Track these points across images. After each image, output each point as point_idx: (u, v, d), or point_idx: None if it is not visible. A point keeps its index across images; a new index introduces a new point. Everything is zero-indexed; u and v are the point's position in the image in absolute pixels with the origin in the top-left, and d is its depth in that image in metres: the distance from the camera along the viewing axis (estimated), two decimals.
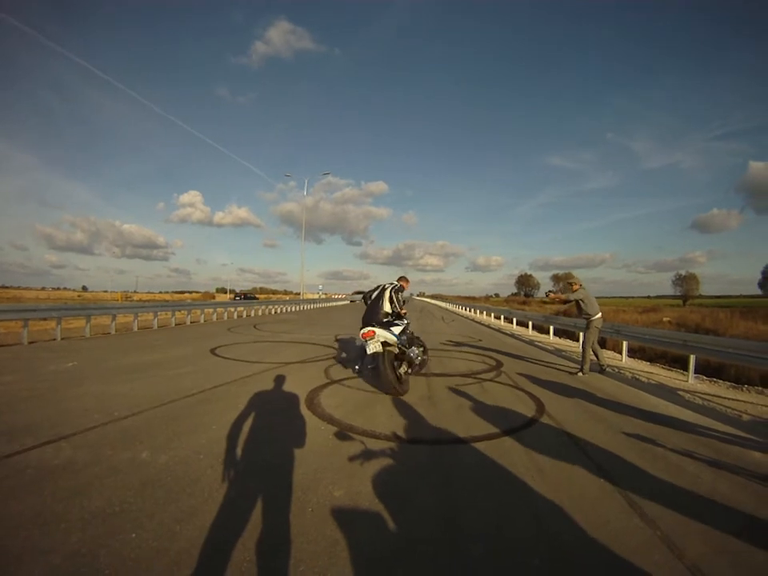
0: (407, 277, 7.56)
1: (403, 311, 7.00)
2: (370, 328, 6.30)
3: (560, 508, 3.00)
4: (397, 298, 6.82)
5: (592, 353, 8.47)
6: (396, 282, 7.18)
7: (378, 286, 7.05)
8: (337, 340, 12.96)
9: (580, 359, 8.52)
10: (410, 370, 6.91)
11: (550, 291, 9.99)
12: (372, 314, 6.67)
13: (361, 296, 8.45)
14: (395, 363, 6.42)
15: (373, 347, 6.20)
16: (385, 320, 6.62)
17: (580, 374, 8.22)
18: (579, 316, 8.74)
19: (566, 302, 8.90)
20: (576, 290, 8.47)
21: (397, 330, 6.51)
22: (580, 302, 8.42)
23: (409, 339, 6.95)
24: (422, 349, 7.31)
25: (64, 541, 2.41)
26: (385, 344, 6.26)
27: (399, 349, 6.48)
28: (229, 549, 2.38)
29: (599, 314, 8.45)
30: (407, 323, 7.09)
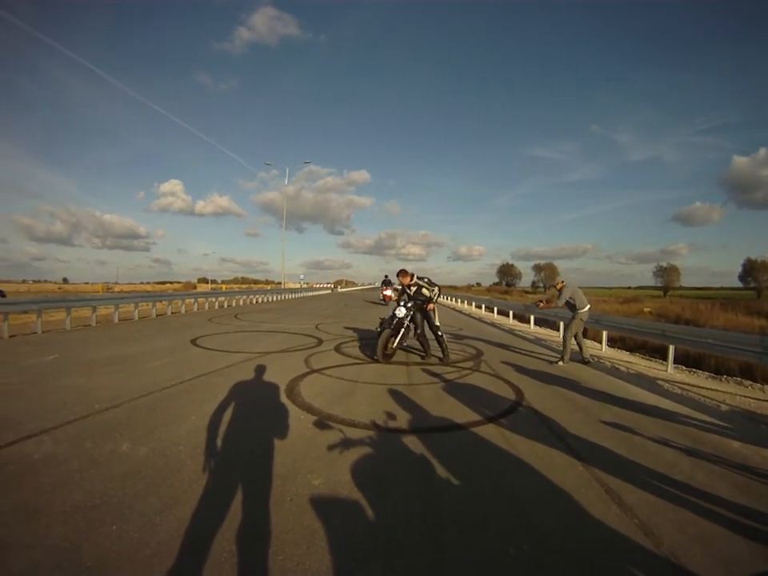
0: (406, 270, 8.66)
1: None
2: None
3: (538, 496, 3.07)
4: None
5: (575, 343, 8.57)
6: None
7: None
8: (318, 329, 13.00)
9: (561, 348, 8.61)
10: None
11: (539, 301, 10.00)
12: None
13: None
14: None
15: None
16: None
17: (561, 362, 8.30)
18: (572, 312, 8.63)
19: (557, 306, 8.87)
20: (561, 289, 8.49)
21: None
22: (569, 300, 8.45)
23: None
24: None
25: (46, 535, 2.43)
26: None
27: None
28: (209, 539, 2.43)
29: (587, 307, 8.50)
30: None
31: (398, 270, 8.67)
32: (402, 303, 8.32)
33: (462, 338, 11.95)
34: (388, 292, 27.19)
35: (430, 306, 8.50)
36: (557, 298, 8.65)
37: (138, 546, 2.35)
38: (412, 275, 8.51)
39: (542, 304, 9.89)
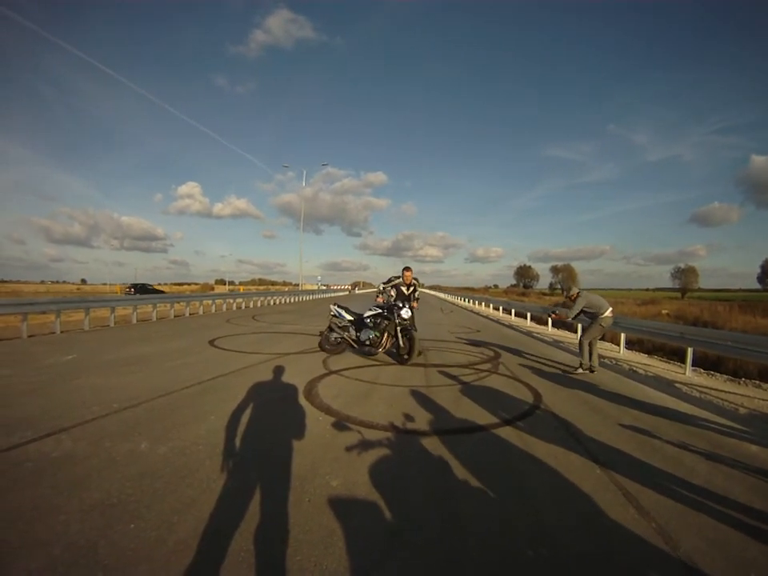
0: (409, 266, 9.29)
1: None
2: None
3: (556, 499, 3.03)
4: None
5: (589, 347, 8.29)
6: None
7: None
8: None
9: (578, 351, 8.43)
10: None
11: (552, 312, 9.77)
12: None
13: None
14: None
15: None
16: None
17: (580, 369, 8.01)
18: (591, 320, 7.99)
19: (567, 318, 8.41)
20: (575, 298, 7.92)
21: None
22: (585, 309, 7.91)
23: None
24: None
25: (63, 532, 2.43)
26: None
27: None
28: (227, 539, 2.40)
29: (608, 311, 7.78)
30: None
31: (403, 266, 9.23)
32: (402, 304, 8.34)
33: (479, 340, 11.84)
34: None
35: (415, 304, 9.25)
36: (571, 309, 8.13)
37: (156, 545, 2.34)
38: None
39: (553, 315, 9.70)
